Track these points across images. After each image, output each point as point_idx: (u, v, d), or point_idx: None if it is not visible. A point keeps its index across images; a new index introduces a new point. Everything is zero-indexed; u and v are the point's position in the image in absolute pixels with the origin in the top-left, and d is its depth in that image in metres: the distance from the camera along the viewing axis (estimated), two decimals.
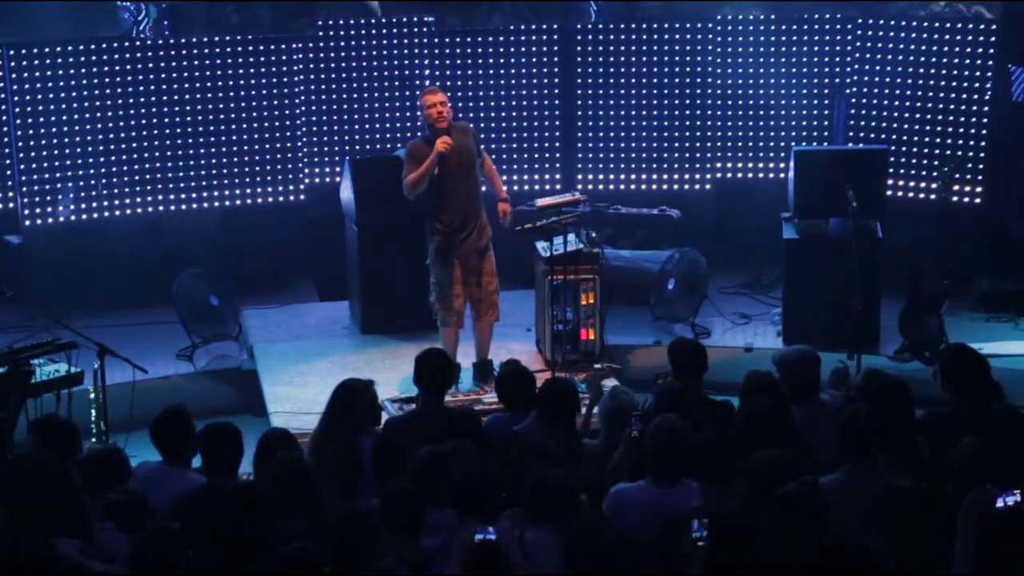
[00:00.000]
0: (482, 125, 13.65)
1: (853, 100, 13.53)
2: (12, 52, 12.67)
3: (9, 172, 12.97)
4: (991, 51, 13.01)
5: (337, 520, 6.48)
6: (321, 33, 13.61)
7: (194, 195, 13.40)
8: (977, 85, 13.06)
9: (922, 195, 13.25)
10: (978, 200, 13.11)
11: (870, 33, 13.43)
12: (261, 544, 6.35)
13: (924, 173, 13.26)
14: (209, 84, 13.29)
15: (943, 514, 6.35)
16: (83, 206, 13.04)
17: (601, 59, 13.73)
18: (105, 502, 6.96)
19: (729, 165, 13.85)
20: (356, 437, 7.88)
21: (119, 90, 13.02)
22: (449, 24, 14.07)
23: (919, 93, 13.28)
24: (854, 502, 6.66)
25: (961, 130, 13.11)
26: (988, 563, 6.20)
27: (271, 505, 6.63)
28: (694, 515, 6.29)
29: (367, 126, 13.71)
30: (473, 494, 6.82)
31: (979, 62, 13.04)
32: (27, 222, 12.92)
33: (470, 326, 11.12)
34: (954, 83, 13.14)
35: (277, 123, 13.52)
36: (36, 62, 12.73)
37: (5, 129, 12.86)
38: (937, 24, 13.29)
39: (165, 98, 13.17)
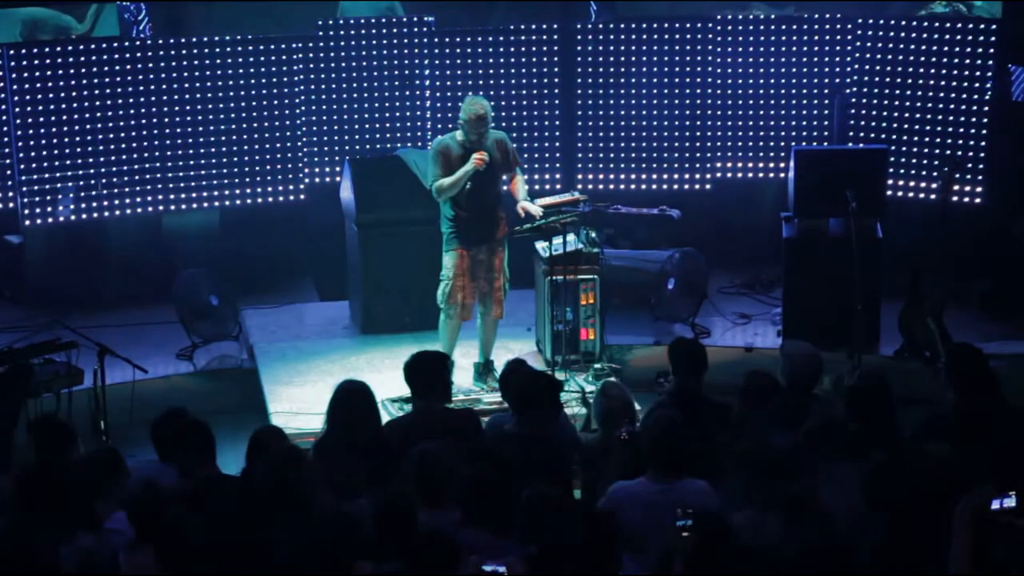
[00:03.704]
0: None
1: (853, 100, 13.54)
2: (12, 52, 12.68)
3: (9, 172, 12.98)
4: (991, 51, 13.02)
5: (327, 522, 6.47)
6: (321, 33, 13.61)
7: (194, 195, 13.40)
8: (977, 85, 13.07)
9: (922, 195, 13.26)
10: (978, 200, 13.12)
11: (870, 33, 13.43)
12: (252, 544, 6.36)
13: (924, 173, 13.27)
14: (209, 84, 13.29)
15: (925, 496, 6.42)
16: (83, 206, 13.05)
17: (601, 59, 13.73)
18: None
19: (729, 165, 13.85)
20: (358, 438, 7.87)
21: (119, 90, 13.02)
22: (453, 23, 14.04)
23: (919, 93, 13.28)
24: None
25: (961, 130, 13.12)
26: (984, 565, 6.21)
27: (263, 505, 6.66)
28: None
29: (367, 126, 13.71)
30: (479, 499, 6.79)
31: (979, 62, 13.05)
32: (27, 222, 12.92)
33: (467, 325, 11.07)
34: (954, 83, 13.14)
35: (277, 123, 13.52)
36: (36, 62, 12.74)
37: (5, 129, 12.87)
38: (937, 24, 13.30)
39: (165, 98, 13.17)
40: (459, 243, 10.70)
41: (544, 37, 13.73)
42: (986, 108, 13.06)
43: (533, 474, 7.11)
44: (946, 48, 13.14)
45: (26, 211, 12.89)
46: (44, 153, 12.86)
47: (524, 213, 10.75)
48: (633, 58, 13.70)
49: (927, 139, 13.27)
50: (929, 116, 13.25)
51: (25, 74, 12.72)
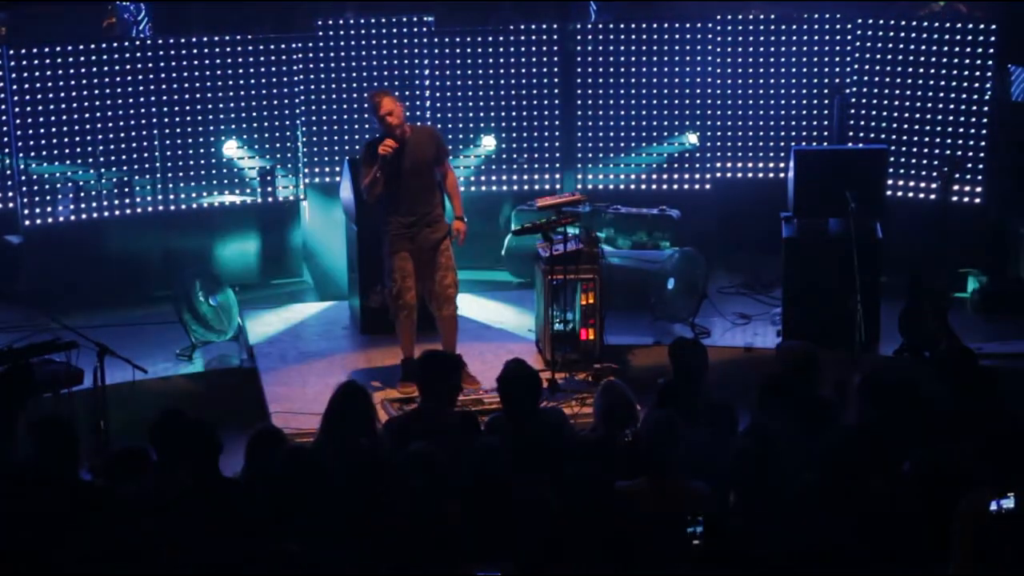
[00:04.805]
0: (482, 125, 13.68)
1: (853, 100, 13.54)
2: (12, 52, 12.68)
3: (9, 172, 12.98)
4: (991, 51, 13.02)
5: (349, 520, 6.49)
6: (321, 33, 13.61)
7: (194, 195, 13.41)
8: (977, 85, 13.07)
9: (922, 195, 13.26)
10: (978, 200, 13.12)
11: (870, 33, 13.43)
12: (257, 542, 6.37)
13: (924, 173, 13.27)
14: (209, 84, 13.29)
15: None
16: (83, 206, 13.05)
17: (601, 59, 13.73)
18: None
19: (729, 165, 13.86)
20: (357, 438, 7.87)
21: (119, 90, 13.02)
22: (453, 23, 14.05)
23: (919, 93, 13.29)
24: None
25: (961, 130, 13.13)
26: (982, 567, 6.22)
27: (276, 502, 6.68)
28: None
29: (367, 126, 13.70)
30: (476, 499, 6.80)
31: (979, 62, 13.05)
32: (27, 222, 12.93)
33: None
34: (954, 83, 13.14)
35: (277, 123, 13.53)
36: (36, 62, 12.74)
37: (5, 129, 12.87)
38: (937, 24, 13.30)
39: (165, 98, 13.17)
40: (398, 245, 10.71)
41: (544, 37, 13.73)
42: (986, 108, 13.06)
43: (529, 473, 7.13)
44: (946, 48, 13.15)
45: (26, 211, 12.90)
46: (44, 153, 12.86)
47: (458, 233, 10.84)
48: (633, 58, 13.71)
49: (927, 139, 13.27)
50: (929, 116, 13.25)
51: (25, 74, 12.72)
